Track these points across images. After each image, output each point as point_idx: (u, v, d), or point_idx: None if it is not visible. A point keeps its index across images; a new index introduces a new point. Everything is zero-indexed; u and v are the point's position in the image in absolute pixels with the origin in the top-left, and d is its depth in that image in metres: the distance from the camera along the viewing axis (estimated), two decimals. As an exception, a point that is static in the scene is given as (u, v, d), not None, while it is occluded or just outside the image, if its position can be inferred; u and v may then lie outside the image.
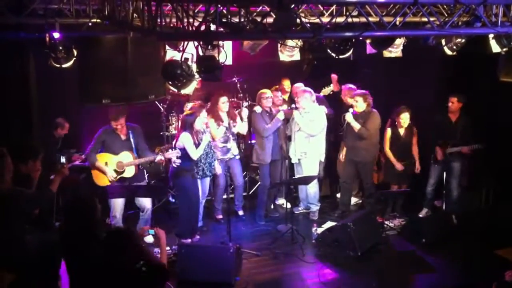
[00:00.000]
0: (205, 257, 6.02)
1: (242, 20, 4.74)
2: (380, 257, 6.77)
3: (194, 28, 4.62)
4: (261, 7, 5.79)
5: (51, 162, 6.56)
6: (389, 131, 7.79)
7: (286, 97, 8.46)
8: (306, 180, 7.57)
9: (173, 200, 8.29)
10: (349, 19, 5.26)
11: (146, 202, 6.87)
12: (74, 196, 5.33)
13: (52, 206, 6.59)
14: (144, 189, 6.71)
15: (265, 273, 6.42)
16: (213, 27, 4.56)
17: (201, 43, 4.73)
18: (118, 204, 6.71)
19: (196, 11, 5.28)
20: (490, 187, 7.90)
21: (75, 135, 8.19)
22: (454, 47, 6.91)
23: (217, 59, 4.90)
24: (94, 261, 4.03)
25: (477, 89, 7.73)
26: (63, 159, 6.68)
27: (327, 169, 8.41)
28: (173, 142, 7.03)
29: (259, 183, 8.17)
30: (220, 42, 5.26)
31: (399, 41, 7.19)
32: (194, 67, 5.14)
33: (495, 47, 6.28)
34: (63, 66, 6.33)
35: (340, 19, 5.38)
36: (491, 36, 6.17)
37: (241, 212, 8.03)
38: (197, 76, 5.17)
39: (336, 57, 6.60)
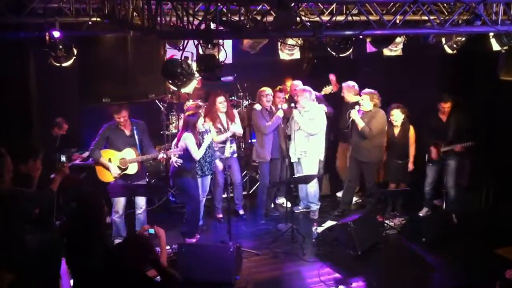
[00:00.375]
0: (205, 256, 6.02)
1: (242, 18, 4.74)
2: (380, 256, 6.77)
3: (194, 27, 4.62)
4: (261, 6, 5.78)
5: (51, 161, 6.55)
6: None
7: (286, 96, 8.47)
8: (306, 179, 7.56)
9: (173, 199, 8.29)
10: (349, 18, 5.27)
11: (141, 200, 6.86)
12: (80, 195, 5.32)
13: (52, 206, 6.58)
14: (145, 188, 6.71)
15: (265, 272, 6.42)
16: (213, 25, 4.55)
17: (201, 41, 4.72)
18: (120, 199, 6.73)
19: (196, 9, 5.27)
20: (490, 186, 7.89)
21: (75, 134, 8.19)
22: (454, 46, 6.92)
23: (217, 57, 4.90)
24: (98, 261, 4.03)
25: (477, 88, 7.72)
26: (63, 158, 6.69)
27: (326, 168, 8.40)
28: (174, 142, 7.03)
29: (259, 182, 8.16)
30: (220, 41, 5.25)
31: (399, 40, 7.17)
32: (194, 66, 5.14)
33: (495, 46, 6.28)
34: (63, 65, 6.33)
35: (340, 18, 5.37)
36: (491, 34, 6.16)
37: (241, 211, 8.02)
38: (197, 75, 5.17)
39: (336, 55, 6.59)
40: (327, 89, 8.25)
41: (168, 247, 6.32)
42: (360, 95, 7.63)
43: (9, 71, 6.94)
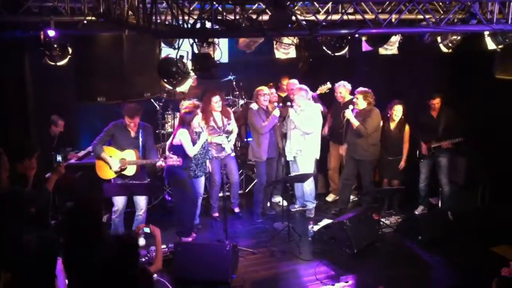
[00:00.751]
0: (202, 255, 6.02)
1: (238, 17, 4.73)
2: (377, 254, 6.78)
3: (189, 26, 4.61)
4: (256, 5, 5.77)
5: (47, 160, 6.54)
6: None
7: (283, 95, 8.47)
8: (302, 178, 7.57)
9: (170, 198, 8.29)
10: (345, 17, 5.26)
11: (142, 202, 6.86)
12: (77, 196, 5.32)
13: (48, 205, 6.57)
14: (141, 187, 6.70)
15: (261, 271, 6.43)
16: (208, 24, 4.55)
17: (196, 40, 4.71)
18: (120, 200, 6.74)
19: (191, 8, 5.26)
20: (486, 185, 7.91)
21: (71, 133, 8.18)
22: (450, 45, 6.92)
23: (213, 56, 4.89)
24: (96, 261, 4.03)
25: (473, 86, 7.72)
26: (59, 158, 6.68)
27: (321, 167, 8.41)
28: (170, 139, 7.02)
29: (255, 181, 8.17)
30: (216, 40, 5.24)
31: (395, 39, 7.17)
32: (189, 64, 5.13)
33: (491, 44, 6.28)
34: (58, 64, 6.33)
35: (335, 17, 5.38)
36: (486, 33, 6.17)
37: (237, 210, 8.03)
38: (192, 74, 5.16)
39: (332, 54, 6.59)
40: (323, 88, 8.26)
41: (164, 246, 6.32)
42: (354, 94, 7.65)
43: (5, 70, 6.94)
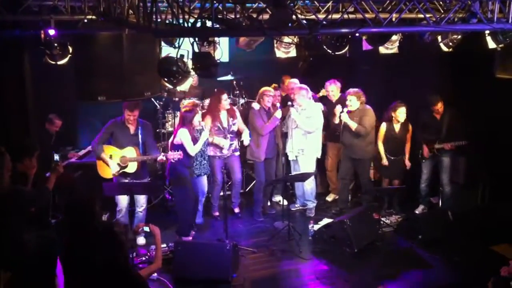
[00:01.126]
0: (202, 254, 6.02)
1: (238, 16, 4.73)
2: (377, 254, 6.77)
3: (189, 25, 4.61)
4: (257, 4, 5.77)
5: (46, 159, 6.54)
6: (383, 126, 7.78)
7: (283, 94, 8.46)
8: (303, 177, 7.56)
9: (170, 198, 8.29)
10: (345, 16, 5.26)
11: (142, 198, 6.87)
12: (74, 194, 5.31)
13: (48, 204, 6.58)
14: (141, 186, 6.70)
15: (262, 270, 6.43)
16: (209, 23, 4.54)
17: (196, 39, 4.71)
18: (123, 199, 6.75)
19: (191, 7, 5.25)
20: (486, 184, 7.91)
21: (71, 132, 8.18)
22: (450, 44, 6.93)
23: (213, 56, 4.88)
24: (93, 259, 4.02)
25: (473, 86, 7.72)
26: (56, 157, 6.68)
27: (320, 166, 8.42)
28: (171, 139, 7.02)
29: (255, 180, 8.16)
30: (216, 39, 5.24)
31: (395, 38, 7.18)
32: (190, 63, 5.13)
33: (491, 44, 6.28)
34: (58, 63, 6.34)
35: (336, 16, 5.37)
36: (487, 32, 6.17)
37: (237, 210, 8.01)
38: (192, 73, 5.16)
39: (332, 53, 6.59)
40: (324, 92, 8.26)
41: (164, 245, 6.32)
42: (345, 96, 7.65)
43: (5, 69, 6.93)
